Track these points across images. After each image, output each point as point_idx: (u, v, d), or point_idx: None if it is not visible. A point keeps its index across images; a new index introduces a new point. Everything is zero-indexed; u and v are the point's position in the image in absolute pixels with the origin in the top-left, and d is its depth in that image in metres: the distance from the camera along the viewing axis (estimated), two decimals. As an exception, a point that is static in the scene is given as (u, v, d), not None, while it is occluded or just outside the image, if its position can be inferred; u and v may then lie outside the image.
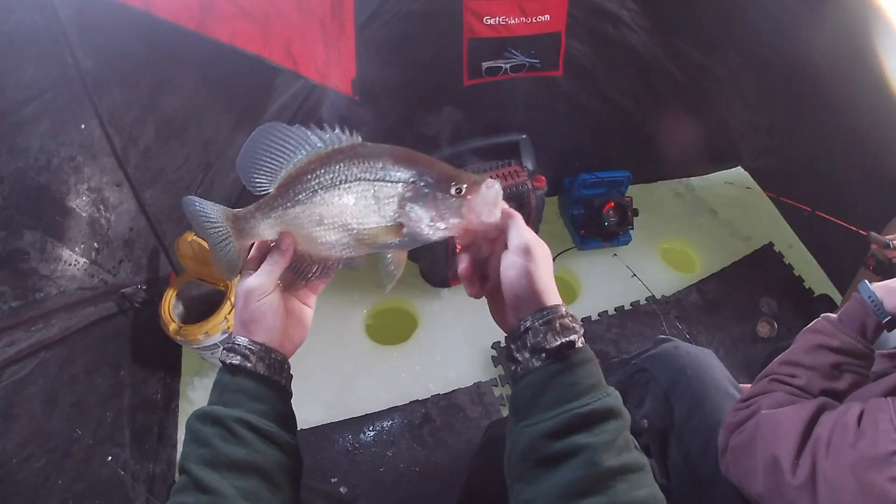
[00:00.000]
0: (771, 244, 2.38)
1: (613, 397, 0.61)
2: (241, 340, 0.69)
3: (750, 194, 2.51)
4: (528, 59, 1.84)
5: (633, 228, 2.24)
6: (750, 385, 1.27)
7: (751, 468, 0.87)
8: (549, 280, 0.65)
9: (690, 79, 2.12)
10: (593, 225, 2.21)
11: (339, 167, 0.67)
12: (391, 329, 2.05)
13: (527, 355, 0.62)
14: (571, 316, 0.63)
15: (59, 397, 1.44)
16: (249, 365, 0.68)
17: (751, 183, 2.52)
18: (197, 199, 0.75)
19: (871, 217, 1.66)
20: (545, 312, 0.62)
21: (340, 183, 0.67)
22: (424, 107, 1.83)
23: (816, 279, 2.27)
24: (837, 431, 0.76)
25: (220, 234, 0.74)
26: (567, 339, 0.60)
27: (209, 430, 0.64)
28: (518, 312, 0.64)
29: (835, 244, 2.09)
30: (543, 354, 0.61)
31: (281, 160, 0.69)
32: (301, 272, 0.73)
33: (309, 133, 0.68)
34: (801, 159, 2.24)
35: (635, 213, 2.21)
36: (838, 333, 0.94)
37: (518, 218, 0.68)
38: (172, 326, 1.61)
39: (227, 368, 0.69)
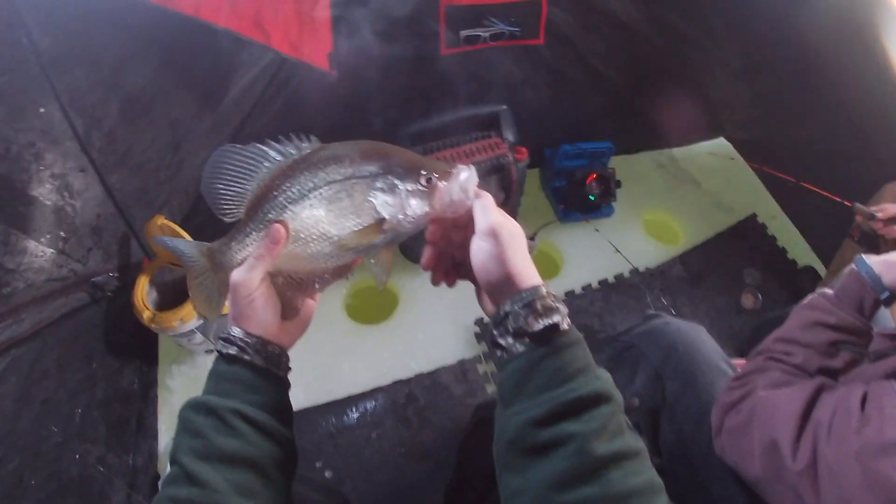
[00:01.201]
0: (754, 215, 2.42)
1: (603, 381, 0.60)
2: (236, 332, 0.68)
3: (733, 165, 2.53)
4: (507, 28, 1.81)
5: (615, 200, 2.24)
6: (742, 361, 1.28)
7: (747, 451, 0.87)
8: (524, 261, 0.64)
9: (674, 48, 2.10)
10: (575, 197, 2.20)
11: (305, 176, 0.66)
12: (372, 308, 2.04)
13: (510, 340, 0.61)
14: (553, 296, 0.62)
15: (31, 395, 1.41)
16: (247, 357, 0.68)
17: (734, 154, 2.53)
18: (167, 238, 0.74)
19: (855, 189, 1.67)
20: (524, 295, 0.61)
21: (309, 192, 0.66)
22: (401, 78, 1.80)
23: (800, 250, 2.31)
24: (839, 415, 0.76)
25: (197, 269, 0.74)
26: (550, 321, 0.59)
27: (202, 420, 0.63)
28: (495, 298, 0.64)
29: (818, 215, 2.12)
30: (527, 339, 0.60)
31: (243, 182, 0.67)
32: (293, 293, 0.72)
33: (265, 148, 0.67)
34: (786, 130, 2.27)
35: (618, 184, 2.21)
36: (835, 310, 0.94)
37: (485, 199, 0.67)
38: (146, 314, 1.58)
39: (224, 358, 0.68)
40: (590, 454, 0.54)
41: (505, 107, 1.93)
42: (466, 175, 0.65)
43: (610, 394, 0.59)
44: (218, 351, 0.69)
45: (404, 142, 1.79)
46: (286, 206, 0.66)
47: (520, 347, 0.60)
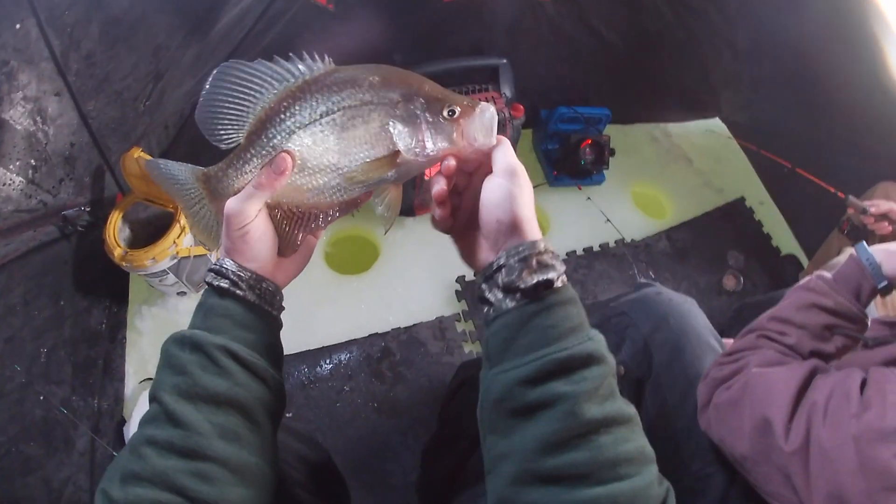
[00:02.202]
0: (743, 199, 2.43)
1: (596, 341, 0.58)
2: (230, 265, 0.64)
3: (726, 148, 2.53)
4: (514, -22, 1.76)
5: (607, 169, 2.23)
6: (731, 340, 1.29)
7: (736, 427, 0.86)
8: (532, 211, 0.62)
9: (682, 21, 2.08)
10: (568, 162, 2.18)
11: (317, 99, 0.61)
12: (351, 258, 2.01)
13: (500, 295, 0.59)
14: (551, 252, 0.60)
15: None
16: (239, 292, 0.64)
17: (728, 135, 2.54)
18: (161, 161, 0.69)
19: (847, 183, 1.69)
20: (521, 248, 0.58)
21: (321, 116, 0.61)
22: (399, 22, 1.74)
23: (784, 239, 2.34)
24: (837, 399, 0.75)
25: (193, 197, 0.69)
26: (545, 277, 0.57)
27: (188, 356, 0.60)
28: (495, 243, 0.62)
29: (807, 206, 2.14)
30: (518, 294, 0.57)
31: (247, 103, 0.62)
32: (292, 229, 0.68)
33: (275, 66, 0.61)
34: (783, 117, 2.27)
35: (612, 152, 2.19)
36: (832, 294, 0.93)
37: (506, 142, 0.65)
38: (118, 252, 1.54)
39: (215, 291, 0.64)
40: (580, 416, 0.53)
41: (505, 60, 1.89)
42: (491, 113, 0.62)
43: (603, 355, 0.57)
44: (208, 283, 0.65)
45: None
46: (294, 132, 0.62)
47: (509, 303, 0.58)
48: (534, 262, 0.58)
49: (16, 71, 1.20)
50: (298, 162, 0.64)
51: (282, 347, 0.70)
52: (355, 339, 1.80)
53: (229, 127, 0.63)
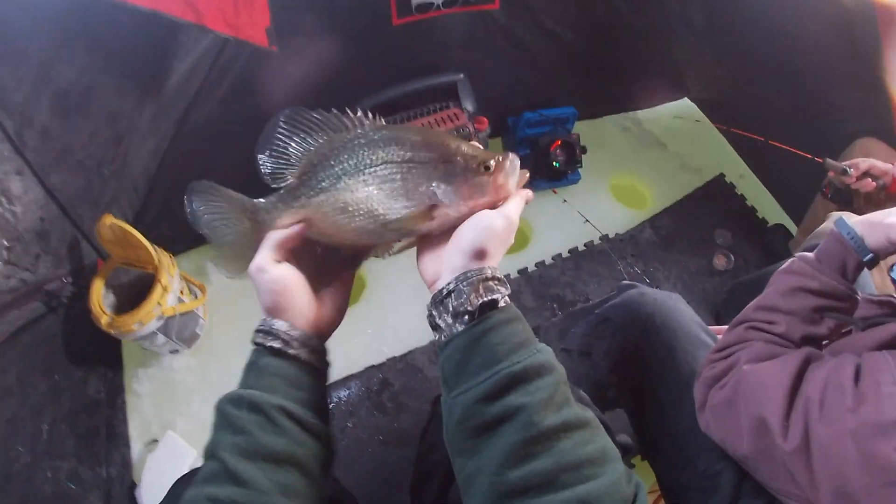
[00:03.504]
0: (722, 175, 2.42)
1: (545, 353, 0.59)
2: (280, 325, 0.66)
3: (698, 127, 2.51)
4: (460, -6, 1.75)
5: (581, 167, 2.21)
6: (720, 328, 1.19)
7: (734, 428, 0.84)
8: (500, 257, 0.65)
9: (634, 7, 2.07)
10: (541, 166, 2.17)
11: (364, 151, 0.65)
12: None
13: (449, 320, 0.61)
14: (498, 279, 0.62)
15: None
16: (291, 351, 0.65)
17: (699, 115, 2.52)
18: (212, 184, 0.71)
19: (824, 145, 1.66)
20: (470, 274, 0.61)
21: (365, 168, 0.65)
22: (351, 52, 1.73)
23: (769, 209, 2.32)
24: (831, 392, 0.72)
25: (234, 224, 0.71)
26: (490, 297, 0.59)
27: (246, 416, 0.60)
28: (453, 266, 0.63)
29: (787, 173, 2.12)
30: (466, 317, 0.60)
31: (303, 147, 0.67)
32: (327, 265, 0.72)
33: (330, 117, 0.67)
34: (750, 89, 2.25)
35: (584, 150, 2.18)
36: (817, 274, 0.88)
37: (525, 196, 0.69)
38: (104, 319, 1.52)
39: (266, 351, 0.65)
40: (539, 425, 0.54)
41: (462, 75, 1.88)
42: (517, 161, 0.66)
43: (553, 365, 0.59)
44: (257, 343, 0.66)
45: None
46: (340, 177, 0.66)
47: (459, 327, 0.60)
48: (480, 287, 0.60)
49: None
50: (341, 204, 0.67)
51: (328, 402, 0.70)
52: (352, 375, 1.77)
53: (283, 167, 0.68)
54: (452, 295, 0.61)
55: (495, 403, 0.56)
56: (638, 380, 1.11)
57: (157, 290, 1.55)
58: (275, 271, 0.66)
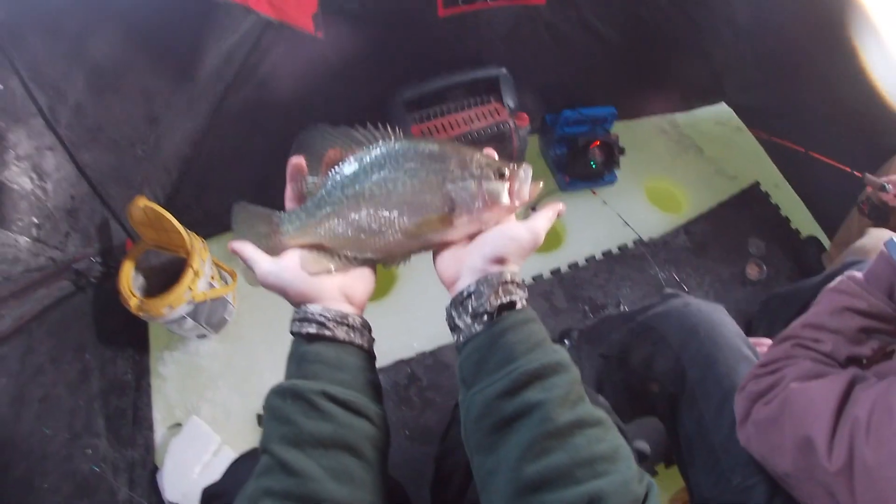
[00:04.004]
0: (757, 183, 2.26)
1: (561, 353, 0.59)
2: (314, 308, 0.64)
3: (736, 132, 2.35)
4: (508, -14, 1.63)
5: (619, 168, 2.08)
6: (761, 340, 1.18)
7: (777, 445, 0.80)
8: (521, 263, 0.65)
9: (678, 6, 1.92)
10: (578, 164, 2.04)
11: (384, 160, 0.66)
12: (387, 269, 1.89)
13: (468, 321, 0.60)
14: (516, 283, 0.62)
15: (26, 394, 1.30)
16: (328, 332, 0.63)
17: (736, 120, 2.36)
18: (247, 205, 0.70)
19: (863, 158, 1.55)
20: (489, 277, 0.61)
21: (386, 175, 0.66)
22: (395, 41, 1.62)
23: (803, 220, 2.17)
24: (879, 414, 0.69)
25: (265, 240, 0.70)
26: (508, 299, 0.59)
27: (290, 406, 0.59)
28: (473, 269, 0.63)
29: (823, 184, 1.99)
30: (485, 317, 0.59)
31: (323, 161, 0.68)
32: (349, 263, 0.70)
33: (353, 132, 0.67)
34: (790, 94, 2.09)
35: (622, 151, 2.05)
36: (865, 295, 0.85)
37: (557, 209, 0.68)
38: (133, 302, 1.43)
39: (304, 338, 0.63)
40: (554, 421, 0.53)
41: (504, 70, 1.75)
42: (530, 172, 0.67)
43: (569, 364, 0.59)
44: (294, 332, 0.64)
45: (399, 109, 1.62)
46: (363, 185, 0.66)
47: (478, 327, 0.59)
48: (500, 289, 0.60)
49: (4, 131, 1.12)
50: (362, 211, 0.66)
51: (378, 379, 0.67)
52: (380, 368, 1.65)
53: (310, 178, 0.68)
54: (472, 296, 0.60)
55: (513, 399, 0.55)
56: (678, 391, 1.06)
57: (189, 275, 1.46)
58: (277, 268, 0.66)
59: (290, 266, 0.66)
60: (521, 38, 1.84)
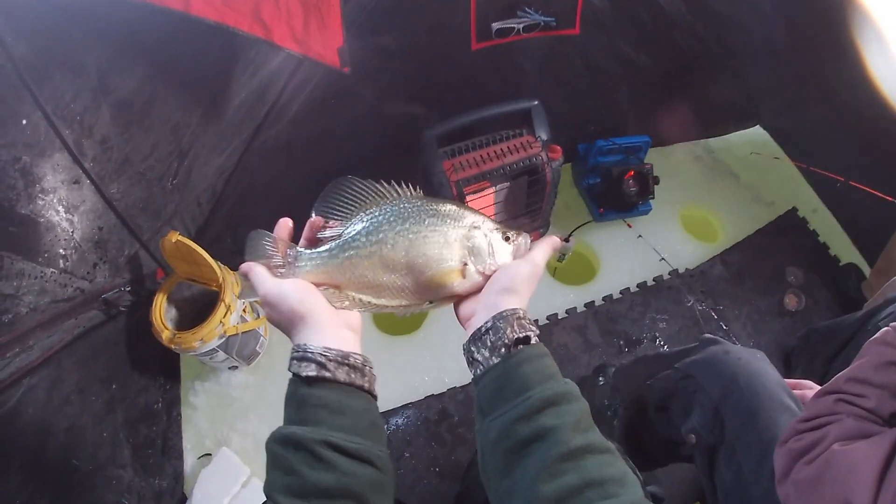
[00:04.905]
0: (795, 209, 2.04)
1: (571, 385, 0.59)
2: (314, 347, 0.59)
3: (771, 156, 2.12)
4: (542, 18, 1.47)
5: (653, 198, 1.90)
6: (801, 382, 1.06)
7: None
8: (529, 294, 0.65)
9: (713, 32, 1.75)
10: (612, 195, 1.86)
11: (410, 213, 0.67)
12: (399, 318, 1.73)
13: (486, 354, 0.60)
14: (528, 319, 0.62)
15: (53, 424, 1.20)
16: (328, 374, 0.58)
17: (772, 144, 2.15)
18: (265, 233, 0.67)
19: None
20: (505, 313, 0.60)
21: (412, 226, 0.66)
22: (427, 75, 1.48)
23: (842, 246, 1.96)
24: None
25: (276, 265, 0.67)
26: (524, 334, 0.59)
27: (293, 456, 0.55)
28: (487, 305, 0.63)
29: (862, 210, 1.80)
30: (503, 350, 0.59)
31: (351, 209, 0.68)
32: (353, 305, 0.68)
33: (378, 186, 0.68)
34: (827, 118, 1.90)
35: (656, 181, 1.86)
36: None
37: (553, 242, 0.70)
38: (166, 334, 1.33)
39: (304, 381, 0.58)
40: (567, 444, 0.53)
41: (536, 102, 1.59)
42: (528, 241, 0.69)
43: (579, 395, 0.58)
44: (295, 373, 0.59)
45: (431, 143, 1.48)
46: (385, 235, 0.66)
47: (495, 359, 0.59)
48: (515, 323, 0.60)
49: (29, 166, 1.01)
50: (380, 259, 0.66)
51: (380, 418, 0.63)
52: (411, 403, 1.52)
53: (335, 222, 0.68)
54: (490, 332, 0.60)
55: (529, 424, 0.55)
56: (717, 442, 0.98)
57: (221, 309, 1.34)
58: (281, 289, 0.63)
59: (295, 287, 0.63)
60: (554, 69, 1.70)
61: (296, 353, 0.59)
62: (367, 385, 0.61)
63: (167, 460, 1.44)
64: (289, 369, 0.60)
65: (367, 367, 0.62)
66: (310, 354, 0.58)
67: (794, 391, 1.00)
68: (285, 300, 0.62)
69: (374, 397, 0.62)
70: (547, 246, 0.68)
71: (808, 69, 1.83)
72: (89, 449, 1.27)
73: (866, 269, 1.85)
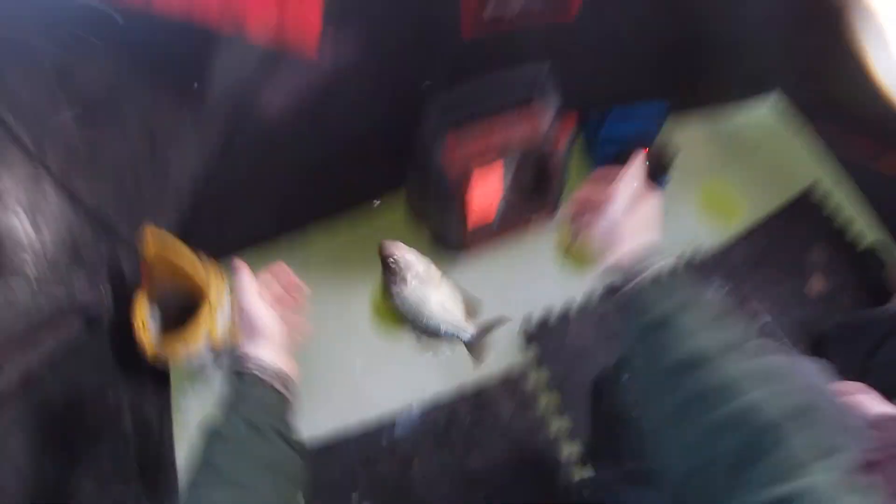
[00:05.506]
0: (816, 185, 1.91)
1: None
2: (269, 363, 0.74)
3: (793, 130, 2.00)
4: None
5: (669, 177, 1.78)
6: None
7: None
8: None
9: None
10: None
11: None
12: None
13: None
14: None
15: (47, 444, 1.09)
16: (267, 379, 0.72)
17: (794, 113, 2.02)
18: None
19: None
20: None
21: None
22: (412, 67, 1.35)
23: (866, 223, 1.85)
24: None
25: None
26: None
27: (245, 431, 0.66)
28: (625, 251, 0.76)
29: (887, 185, 1.73)
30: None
31: None
32: None
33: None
34: (849, 81, 1.75)
35: (674, 155, 1.74)
36: None
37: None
38: (149, 343, 1.22)
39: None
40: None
41: (546, 68, 1.44)
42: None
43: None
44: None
45: (435, 115, 1.34)
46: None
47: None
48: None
49: None
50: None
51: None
52: (422, 405, 1.44)
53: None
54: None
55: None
56: None
57: (206, 310, 1.23)
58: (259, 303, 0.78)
59: (269, 311, 0.78)
60: (563, 31, 1.54)
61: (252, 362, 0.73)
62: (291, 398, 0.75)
63: (162, 475, 1.37)
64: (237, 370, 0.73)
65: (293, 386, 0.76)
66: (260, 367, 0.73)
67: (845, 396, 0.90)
68: (260, 316, 0.77)
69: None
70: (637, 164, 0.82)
71: (834, 37, 1.68)
72: (92, 465, 1.19)
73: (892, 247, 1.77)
